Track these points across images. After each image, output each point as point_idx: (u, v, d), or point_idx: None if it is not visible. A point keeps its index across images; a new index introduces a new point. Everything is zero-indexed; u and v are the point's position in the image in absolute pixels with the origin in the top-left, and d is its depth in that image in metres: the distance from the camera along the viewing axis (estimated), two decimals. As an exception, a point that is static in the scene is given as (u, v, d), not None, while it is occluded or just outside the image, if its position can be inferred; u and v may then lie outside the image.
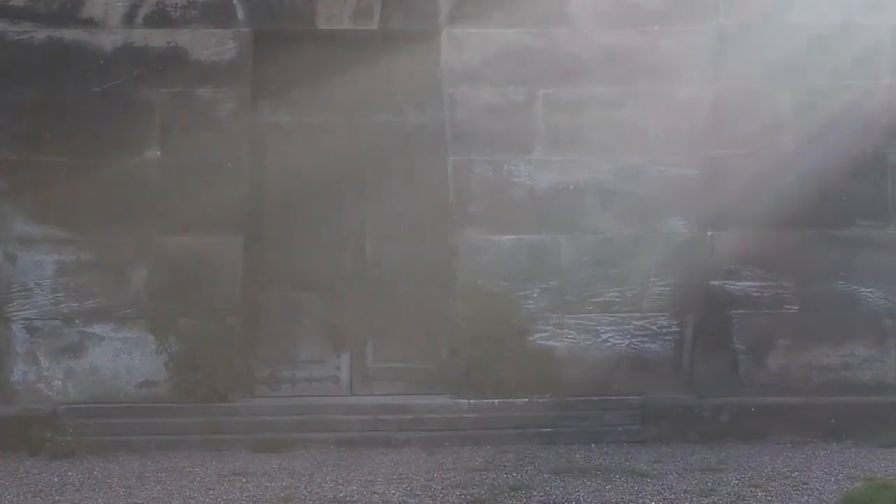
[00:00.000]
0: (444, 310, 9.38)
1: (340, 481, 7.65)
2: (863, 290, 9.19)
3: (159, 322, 9.12)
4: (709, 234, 9.23)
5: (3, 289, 9.10)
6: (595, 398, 9.06)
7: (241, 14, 9.27)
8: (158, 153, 9.19)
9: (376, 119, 9.49)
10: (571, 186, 9.30)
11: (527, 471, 7.88)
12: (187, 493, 7.42)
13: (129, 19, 9.21)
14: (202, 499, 7.28)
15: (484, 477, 7.71)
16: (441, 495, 7.25)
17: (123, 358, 9.12)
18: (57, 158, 9.14)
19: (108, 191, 9.14)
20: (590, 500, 7.15)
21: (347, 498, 7.23)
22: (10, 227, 9.12)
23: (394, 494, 7.29)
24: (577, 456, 8.35)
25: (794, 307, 9.16)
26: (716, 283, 9.21)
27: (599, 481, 7.59)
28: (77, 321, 9.13)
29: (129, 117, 9.18)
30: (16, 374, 9.09)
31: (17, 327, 9.10)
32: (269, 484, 7.59)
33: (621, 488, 7.41)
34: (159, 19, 9.23)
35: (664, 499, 7.16)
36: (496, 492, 7.31)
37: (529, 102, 9.33)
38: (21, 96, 9.16)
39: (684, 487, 7.41)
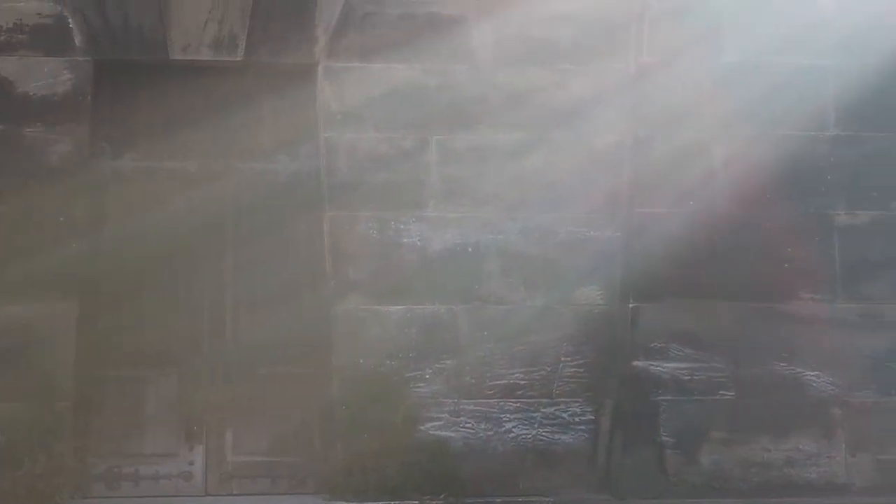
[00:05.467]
0: (319, 394, 8.11)
1: None
2: (808, 373, 8.08)
3: (-27, 407, 7.68)
4: (630, 305, 8.05)
5: None
6: (498, 499, 7.80)
7: (78, 40, 7.92)
8: (-24, 203, 7.81)
9: (240, 166, 8.20)
10: (470, 248, 8.10)
11: None
12: None
13: (-60, 42, 7.88)
14: None
15: None
16: None
17: (-72, 451, 7.65)
18: None
19: (-86, 248, 7.70)
20: None
21: None
22: None
23: None
24: (483, 576, 7.04)
25: (730, 393, 8.02)
26: (639, 363, 8.02)
27: None
28: None
29: (-60, 160, 7.79)
30: None
31: None
32: None
33: None
34: (-21, 43, 7.90)
35: None
36: None
37: (421, 150, 8.12)
38: None
39: None
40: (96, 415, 8.07)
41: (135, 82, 8.15)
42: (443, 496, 7.79)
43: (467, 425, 8.02)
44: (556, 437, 8.07)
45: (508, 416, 8.05)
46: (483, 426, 8.03)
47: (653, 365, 8.04)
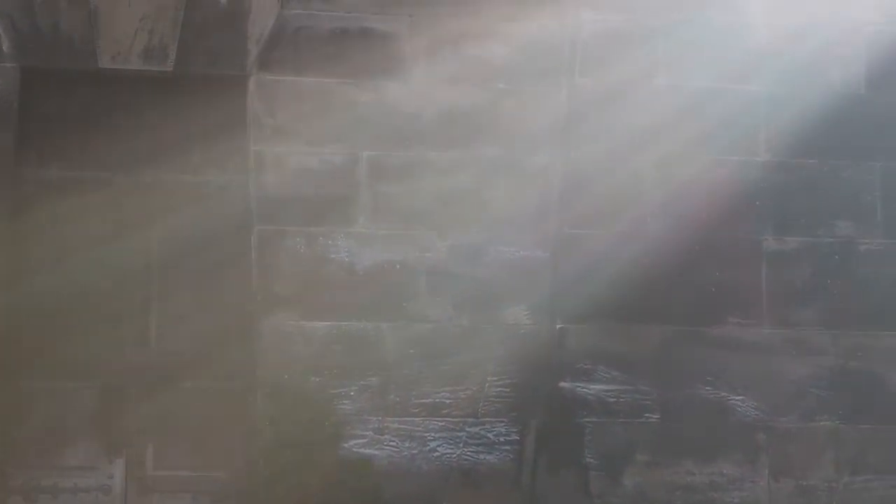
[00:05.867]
0: (243, 408, 7.99)
1: None
2: (732, 398, 8.05)
3: None
4: (558, 326, 7.99)
5: None
6: (421, 519, 7.78)
7: (5, 46, 7.76)
8: None
9: (168, 177, 8.08)
10: (398, 265, 8.01)
11: None
12: None
13: None
14: None
15: None
16: None
17: None
18: None
19: None
20: None
21: None
22: None
23: None
24: None
25: (655, 416, 7.98)
26: (565, 384, 7.96)
27: None
28: None
29: None
30: None
31: None
32: None
33: None
34: None
35: None
36: None
37: (352, 165, 8.02)
38: None
39: None
40: (16, 427, 7.90)
41: (63, 90, 8.01)
42: (366, 514, 7.77)
43: (392, 443, 7.93)
44: (481, 456, 7.99)
45: (433, 434, 7.97)
46: (408, 445, 7.93)
47: (579, 386, 8.00)
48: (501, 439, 8.02)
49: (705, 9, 8.19)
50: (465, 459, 7.97)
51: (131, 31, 7.90)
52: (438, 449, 7.95)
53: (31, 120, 7.90)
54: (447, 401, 8.00)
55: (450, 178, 8.07)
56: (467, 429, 7.99)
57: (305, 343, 7.91)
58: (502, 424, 8.03)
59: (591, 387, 7.99)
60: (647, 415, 7.99)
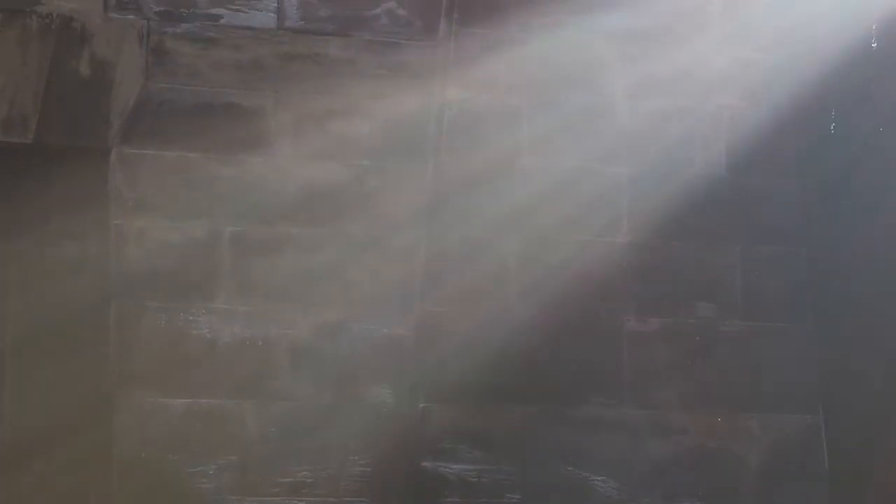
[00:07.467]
0: (98, 487, 7.79)
1: None
2: (594, 477, 8.04)
3: None
4: (421, 405, 7.93)
5: None
6: None
7: None
8: None
9: (25, 249, 7.91)
10: (260, 342, 7.92)
11: None
12: None
13: None
14: None
15: None
16: None
17: None
18: None
19: None
20: None
21: None
22: None
23: None
24: None
25: (517, 496, 7.92)
26: (427, 464, 7.89)
27: None
28: None
29: None
30: None
31: None
32: None
33: None
34: None
35: None
36: None
37: (214, 241, 7.93)
38: None
39: None
40: None
41: (-82, 160, 7.90)
42: None
43: (250, 524, 7.87)
44: (342, 537, 7.97)
45: (293, 514, 7.94)
46: (267, 525, 7.89)
47: (441, 466, 7.93)
48: (362, 519, 7.99)
49: (569, 90, 8.28)
50: (326, 539, 7.93)
51: (-10, 100, 7.82)
52: (299, 529, 7.90)
53: None
54: (308, 480, 7.89)
55: (313, 255, 8.03)
56: (328, 509, 7.96)
57: (164, 420, 7.77)
58: (363, 504, 8.01)
59: (453, 466, 7.93)
60: (508, 495, 7.94)
